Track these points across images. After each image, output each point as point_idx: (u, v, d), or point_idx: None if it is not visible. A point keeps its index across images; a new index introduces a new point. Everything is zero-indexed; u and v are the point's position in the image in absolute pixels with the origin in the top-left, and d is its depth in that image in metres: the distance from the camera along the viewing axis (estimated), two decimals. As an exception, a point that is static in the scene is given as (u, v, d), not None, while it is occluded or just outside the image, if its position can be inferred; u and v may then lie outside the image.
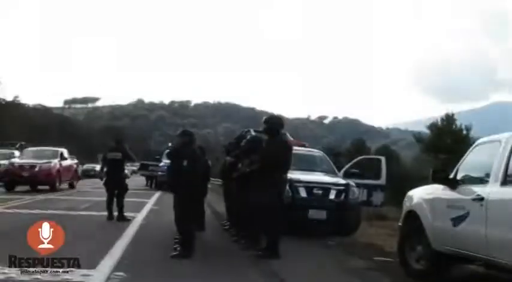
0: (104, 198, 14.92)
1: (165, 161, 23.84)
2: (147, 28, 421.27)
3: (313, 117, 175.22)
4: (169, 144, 27.95)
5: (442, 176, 6.22)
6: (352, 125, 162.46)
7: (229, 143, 11.28)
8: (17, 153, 27.28)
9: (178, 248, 7.42)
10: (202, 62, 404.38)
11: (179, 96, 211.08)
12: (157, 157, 25.69)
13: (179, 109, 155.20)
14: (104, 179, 12.13)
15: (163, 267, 6.72)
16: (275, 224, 7.51)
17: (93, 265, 6.27)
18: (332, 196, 10.02)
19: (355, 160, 12.29)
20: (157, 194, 20.25)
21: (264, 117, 8.17)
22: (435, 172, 6.39)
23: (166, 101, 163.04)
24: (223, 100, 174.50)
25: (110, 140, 14.31)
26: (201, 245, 7.84)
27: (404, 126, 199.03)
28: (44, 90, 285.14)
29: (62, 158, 22.64)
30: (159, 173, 23.84)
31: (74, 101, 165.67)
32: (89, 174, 44.11)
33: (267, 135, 8.06)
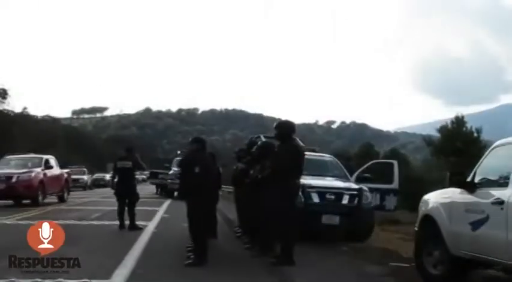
0: (115, 208, 14.90)
1: (175, 169, 23.83)
2: (153, 37, 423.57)
3: (321, 122, 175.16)
4: (178, 152, 27.90)
5: (460, 180, 6.10)
6: (359, 129, 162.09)
7: (239, 149, 11.20)
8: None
9: (192, 256, 7.35)
10: (208, 69, 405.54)
11: (186, 104, 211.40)
12: (167, 165, 25.65)
13: (187, 117, 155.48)
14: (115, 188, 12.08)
15: (177, 275, 6.66)
16: (289, 231, 7.42)
17: (107, 276, 6.23)
18: (345, 201, 9.91)
19: (367, 164, 12.17)
20: (167, 202, 20.21)
21: (275, 123, 8.09)
22: (452, 175, 6.28)
23: (174, 109, 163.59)
24: (230, 107, 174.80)
25: (118, 149, 14.31)
26: (214, 253, 7.75)
27: (412, 130, 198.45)
28: (51, 101, 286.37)
29: (47, 166, 19.76)
30: (169, 181, 23.77)
31: (82, 111, 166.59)
32: (98, 184, 44.29)
33: (278, 141, 7.98)
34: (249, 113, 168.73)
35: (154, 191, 29.71)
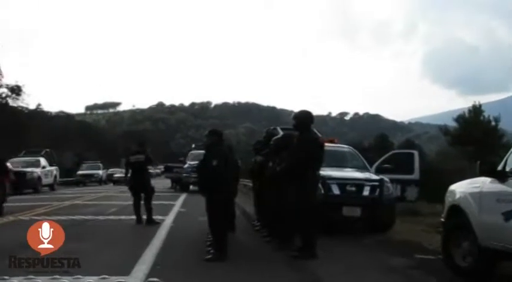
0: (131, 202, 14.83)
1: (190, 163, 23.73)
2: (166, 32, 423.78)
3: (334, 113, 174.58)
4: (193, 145, 27.82)
5: (491, 168, 5.85)
6: (373, 121, 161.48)
7: (257, 141, 11.02)
8: (42, 160, 27.47)
9: (212, 251, 7.20)
10: (221, 63, 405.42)
11: (199, 98, 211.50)
12: (182, 159, 25.55)
13: (200, 111, 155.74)
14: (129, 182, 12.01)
15: (198, 271, 6.50)
16: (310, 224, 7.24)
17: (126, 272, 6.10)
18: (366, 192, 9.67)
19: (386, 155, 11.93)
20: (183, 196, 20.10)
21: (294, 113, 7.88)
22: (482, 164, 6.02)
23: (187, 103, 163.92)
24: (243, 100, 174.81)
25: (132, 144, 14.20)
26: (234, 247, 7.58)
27: (426, 120, 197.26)
28: (65, 97, 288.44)
29: None
30: (184, 174, 23.67)
31: (95, 106, 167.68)
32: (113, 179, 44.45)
33: (297, 132, 7.78)
34: (262, 105, 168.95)
35: (169, 185, 29.68)
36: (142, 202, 11.61)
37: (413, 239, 9.46)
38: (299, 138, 7.57)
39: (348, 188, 9.68)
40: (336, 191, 9.53)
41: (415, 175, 11.50)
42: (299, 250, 7.26)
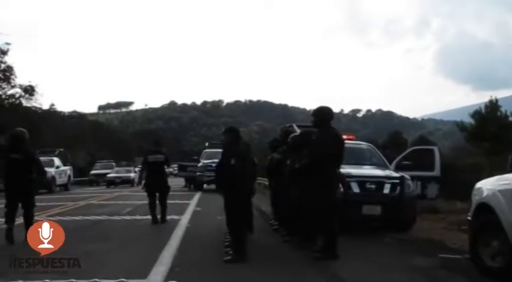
0: (146, 202, 14.68)
1: (204, 162, 23.60)
2: (177, 30, 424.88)
3: (346, 111, 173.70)
4: (207, 144, 27.68)
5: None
6: (386, 117, 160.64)
7: (273, 139, 10.82)
8: (56, 160, 27.51)
9: (231, 252, 7.02)
10: (232, 61, 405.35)
11: (211, 96, 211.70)
12: (195, 157, 25.42)
13: (212, 109, 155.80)
14: (143, 182, 11.86)
15: (218, 273, 6.31)
16: (332, 223, 7.03)
17: (144, 274, 5.94)
18: (386, 190, 9.43)
19: (406, 151, 11.67)
20: (197, 195, 19.95)
21: (313, 109, 7.65)
22: (514, 160, 5.78)
23: (199, 102, 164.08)
24: (255, 98, 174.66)
25: (145, 143, 14.15)
26: (252, 248, 7.37)
27: (440, 117, 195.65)
28: (78, 97, 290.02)
29: None
30: (198, 173, 23.53)
31: (108, 106, 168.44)
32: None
33: (316, 128, 7.57)
34: (274, 103, 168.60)
35: (183, 183, 29.56)
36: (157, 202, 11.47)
37: (435, 238, 9.23)
38: (319, 134, 7.36)
39: (368, 185, 9.44)
40: (355, 189, 9.29)
41: (436, 172, 11.22)
42: (320, 250, 7.06)
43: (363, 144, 11.85)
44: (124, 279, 5.57)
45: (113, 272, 6.18)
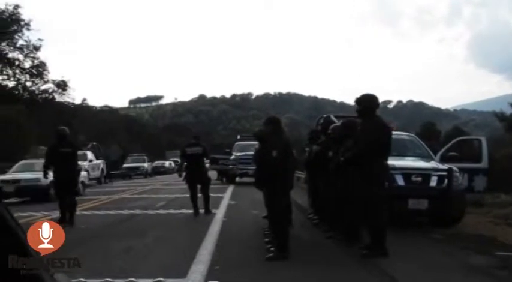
0: (178, 195, 14.48)
1: (236, 154, 23.26)
2: (205, 24, 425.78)
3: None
4: (239, 136, 27.35)
5: None
6: (417, 108, 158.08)
7: (312, 130, 10.40)
8: (89, 154, 27.56)
9: (272, 249, 6.64)
10: (261, 54, 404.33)
11: (240, 89, 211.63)
12: (228, 150, 25.08)
13: (241, 102, 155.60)
14: (184, 174, 11.84)
15: (260, 272, 5.94)
16: (380, 218, 6.59)
17: (182, 273, 5.62)
18: (433, 183, 8.90)
19: (452, 142, 11.11)
20: (231, 188, 19.62)
21: (356, 98, 7.17)
22: None
23: (228, 95, 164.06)
24: (284, 90, 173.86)
25: (175, 137, 14.18)
26: (294, 244, 6.95)
27: (473, 107, 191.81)
28: (109, 92, 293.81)
29: None
30: (231, 166, 23.21)
31: (138, 100, 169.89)
32: (159, 171, 44.57)
33: (361, 118, 7.12)
34: (304, 95, 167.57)
35: (215, 177, 29.31)
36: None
37: (486, 233, 8.69)
38: (364, 124, 6.91)
39: (414, 178, 8.92)
40: (400, 182, 8.79)
41: (484, 163, 10.64)
42: (368, 247, 6.63)
43: (405, 135, 11.28)
44: (162, 279, 5.26)
45: (151, 270, 5.92)
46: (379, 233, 6.61)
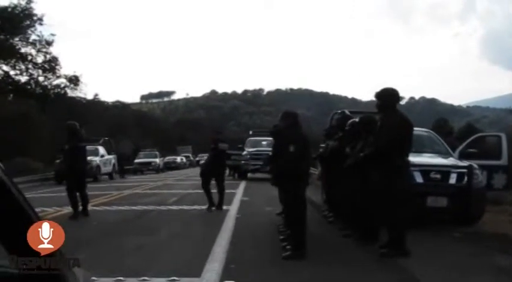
0: (191, 191, 14.39)
1: (249, 150, 23.10)
2: (216, 20, 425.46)
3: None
4: (251, 132, 27.15)
5: None
6: (429, 105, 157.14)
7: (330, 126, 10.18)
8: (101, 149, 27.53)
9: (289, 247, 6.46)
10: (272, 49, 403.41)
11: (251, 85, 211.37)
12: (240, 146, 24.91)
13: (252, 98, 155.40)
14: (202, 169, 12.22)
15: (278, 271, 5.77)
16: (401, 216, 6.39)
17: (197, 272, 5.44)
18: (453, 180, 8.65)
19: (471, 138, 10.83)
20: (243, 184, 19.45)
21: (376, 92, 6.96)
22: None
23: (239, 91, 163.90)
24: (296, 86, 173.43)
25: (187, 132, 14.30)
26: (310, 242, 6.72)
27: (486, 104, 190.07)
28: (121, 87, 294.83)
29: None
30: (243, 162, 23.04)
31: (150, 96, 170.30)
32: (170, 167, 44.57)
33: (381, 113, 6.91)
34: (315, 91, 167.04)
35: (227, 172, 29.17)
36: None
37: (508, 232, 8.42)
38: (385, 119, 6.70)
39: (432, 175, 8.68)
40: (418, 179, 8.55)
41: (503, 160, 10.36)
42: (387, 246, 6.44)
43: (422, 131, 11.00)
44: (176, 278, 5.08)
45: (164, 269, 5.75)
46: (400, 232, 6.41)
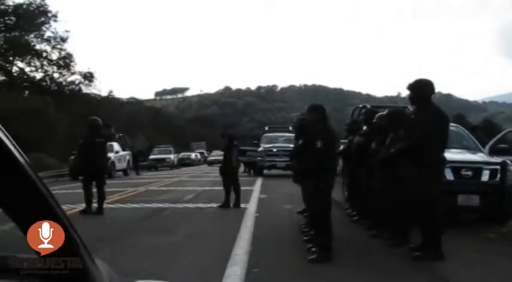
0: (206, 188, 14.14)
1: (264, 146, 22.68)
2: (230, 16, 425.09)
3: (404, 94, 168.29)
4: (266, 128, 26.74)
5: None
6: (445, 100, 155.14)
7: (352, 121, 9.75)
8: (115, 145, 27.31)
9: (314, 249, 6.04)
10: (286, 45, 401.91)
11: (265, 81, 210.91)
12: (256, 142, 24.51)
13: (266, 94, 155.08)
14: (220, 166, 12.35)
15: (304, 276, 5.34)
16: (435, 216, 5.94)
17: (218, 276, 5.07)
18: (485, 178, 8.17)
19: (501, 133, 10.33)
20: (259, 181, 19.02)
21: (409, 83, 6.48)
22: None
23: (253, 87, 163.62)
24: (309, 82, 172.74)
25: (201, 128, 14.18)
26: (336, 243, 6.28)
27: (502, 99, 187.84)
28: (135, 83, 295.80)
29: None
30: (258, 158, 22.63)
31: (164, 92, 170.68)
32: (184, 163, 44.34)
33: (414, 105, 6.46)
34: (329, 87, 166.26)
35: (242, 169, 28.79)
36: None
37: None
38: (419, 112, 6.24)
39: (464, 172, 8.21)
40: (449, 176, 8.05)
41: (536, 156, 9.80)
42: (421, 248, 5.99)
43: (451, 125, 10.50)
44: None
45: (182, 273, 5.40)
46: (435, 234, 5.96)
